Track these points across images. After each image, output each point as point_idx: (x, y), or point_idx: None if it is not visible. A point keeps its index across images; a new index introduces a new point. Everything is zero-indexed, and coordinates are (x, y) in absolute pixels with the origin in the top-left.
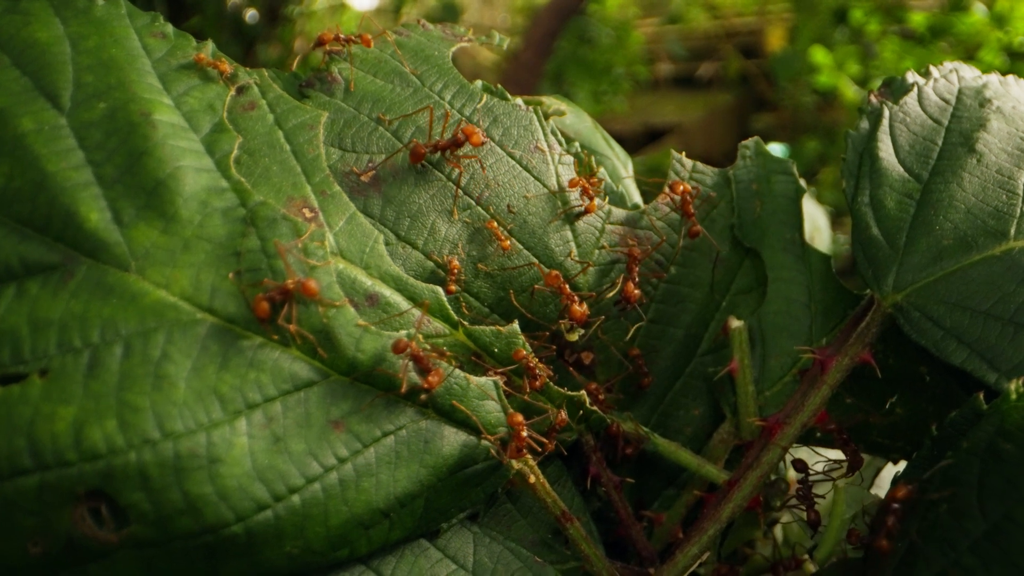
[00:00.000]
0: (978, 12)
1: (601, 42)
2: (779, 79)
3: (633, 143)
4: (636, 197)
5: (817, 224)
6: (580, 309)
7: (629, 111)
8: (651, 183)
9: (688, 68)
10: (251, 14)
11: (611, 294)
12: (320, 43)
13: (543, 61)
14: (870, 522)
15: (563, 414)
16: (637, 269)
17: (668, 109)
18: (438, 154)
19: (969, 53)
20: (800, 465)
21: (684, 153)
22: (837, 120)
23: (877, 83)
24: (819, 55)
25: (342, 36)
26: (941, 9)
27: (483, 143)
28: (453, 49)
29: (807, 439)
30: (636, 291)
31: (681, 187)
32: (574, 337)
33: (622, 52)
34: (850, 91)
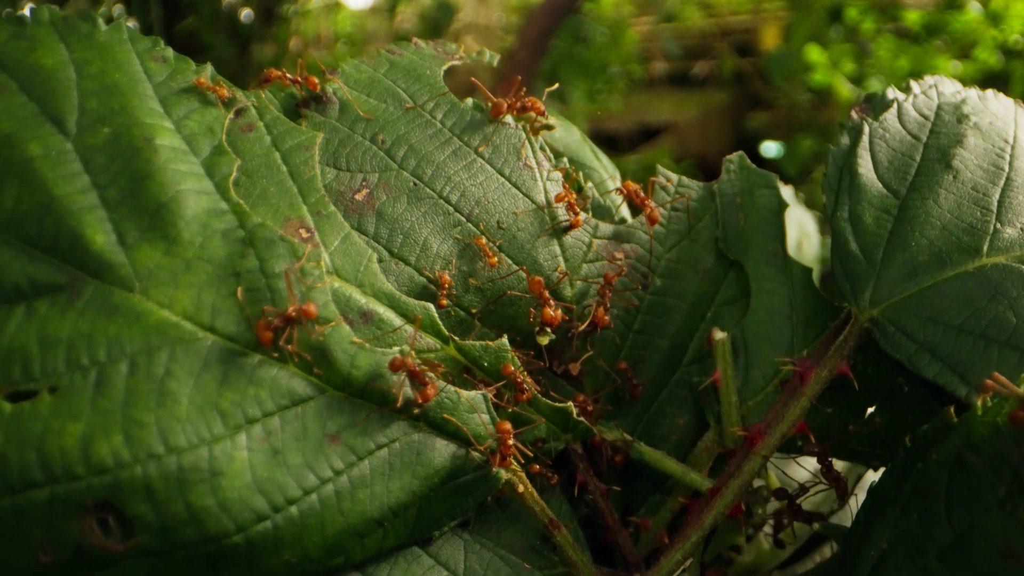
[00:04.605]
0: (973, 10)
1: (596, 41)
2: (774, 77)
3: (628, 142)
4: (624, 210)
5: (806, 230)
6: (551, 312)
7: (624, 110)
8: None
9: (683, 67)
10: (246, 14)
11: (586, 309)
12: (266, 80)
13: (538, 60)
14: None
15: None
16: (609, 294)
17: (663, 108)
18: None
19: (964, 51)
20: (781, 494)
21: (679, 152)
22: (832, 118)
23: (872, 81)
24: (814, 53)
25: (288, 76)
26: (936, 7)
27: (543, 112)
28: (444, 67)
29: (789, 448)
30: (605, 317)
31: (630, 186)
32: (544, 340)
33: (617, 51)
34: (845, 89)
